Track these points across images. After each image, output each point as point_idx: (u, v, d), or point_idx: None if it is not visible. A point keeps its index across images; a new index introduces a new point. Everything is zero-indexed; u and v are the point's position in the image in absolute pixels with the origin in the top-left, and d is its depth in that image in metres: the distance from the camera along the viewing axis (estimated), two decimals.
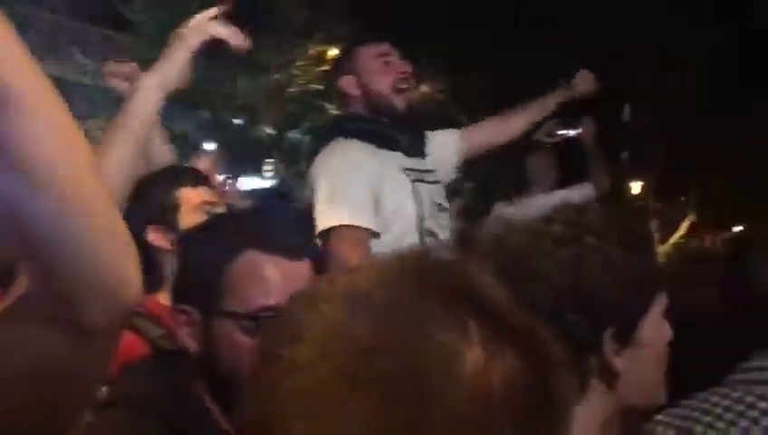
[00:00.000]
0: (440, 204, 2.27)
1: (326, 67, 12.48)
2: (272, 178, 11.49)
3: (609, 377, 0.98)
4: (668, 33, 8.97)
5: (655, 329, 1.01)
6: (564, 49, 8.52)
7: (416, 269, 0.65)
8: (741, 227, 9.31)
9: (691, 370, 1.38)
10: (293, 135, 12.54)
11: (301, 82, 12.15)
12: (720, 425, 1.30)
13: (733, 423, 1.28)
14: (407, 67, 2.27)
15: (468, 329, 0.61)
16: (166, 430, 1.05)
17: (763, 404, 1.28)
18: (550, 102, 2.65)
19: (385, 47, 2.29)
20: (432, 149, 2.37)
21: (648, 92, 9.99)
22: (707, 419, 1.31)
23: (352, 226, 2.08)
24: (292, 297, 0.68)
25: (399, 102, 2.25)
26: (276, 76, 11.57)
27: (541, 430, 0.60)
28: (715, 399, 1.33)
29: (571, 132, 3.14)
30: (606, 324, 0.97)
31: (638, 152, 10.58)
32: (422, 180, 2.24)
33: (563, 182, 3.28)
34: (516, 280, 0.91)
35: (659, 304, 1.01)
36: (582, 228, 0.99)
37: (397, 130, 2.26)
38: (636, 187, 11.25)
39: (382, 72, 2.25)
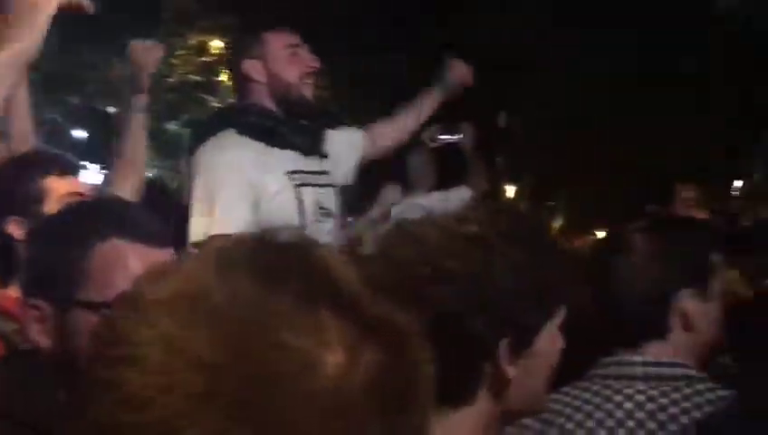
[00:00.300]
0: (326, 209, 2.19)
1: (207, 58, 12.22)
2: (147, 170, 11.12)
3: (500, 384, 0.98)
4: (542, 38, 9.29)
5: (550, 340, 1.01)
6: (441, 55, 8.67)
7: (255, 259, 0.57)
8: (606, 231, 9.82)
9: (570, 372, 1.43)
10: (171, 127, 12.20)
11: (180, 72, 11.85)
12: (579, 417, 1.35)
13: (589, 415, 1.34)
14: (315, 62, 2.19)
15: (326, 329, 0.54)
16: (20, 433, 1.00)
17: (618, 398, 1.34)
18: (432, 100, 2.61)
19: (295, 38, 2.19)
20: (332, 149, 2.29)
21: (523, 99, 10.35)
22: (568, 411, 1.36)
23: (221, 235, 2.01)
24: (119, 303, 0.59)
25: (308, 95, 2.18)
26: None
27: (405, 426, 0.56)
28: (575, 392, 1.38)
29: (452, 137, 3.25)
30: (504, 333, 0.96)
31: (512, 157, 10.95)
32: (309, 184, 2.16)
33: (441, 184, 3.35)
34: (422, 278, 0.95)
35: (558, 317, 1.02)
36: (496, 232, 0.98)
37: (294, 128, 2.17)
38: (510, 190, 11.64)
39: (291, 63, 2.15)
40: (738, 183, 8.11)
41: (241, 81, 2.19)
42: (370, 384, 0.54)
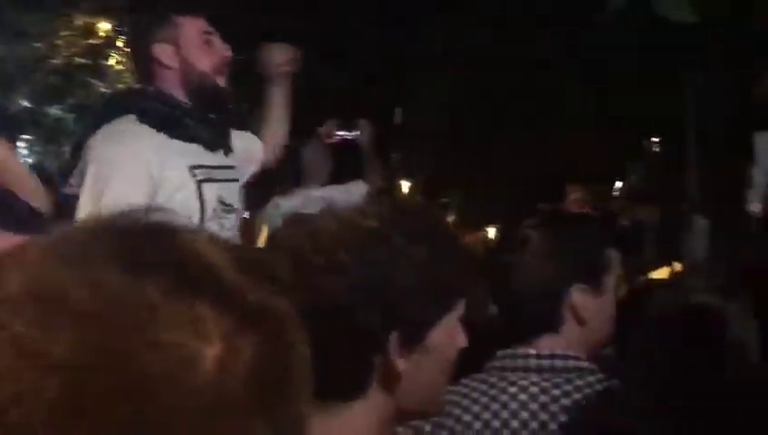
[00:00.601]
0: (229, 204, 2.13)
1: (94, 40, 11.75)
2: (27, 156, 10.60)
3: (390, 378, 0.98)
4: (437, 37, 9.44)
5: (447, 336, 1.01)
6: (336, 55, 8.69)
7: (118, 248, 0.52)
8: (497, 228, 10.09)
9: (470, 367, 1.45)
10: (54, 111, 11.65)
11: (65, 54, 11.32)
12: (475, 408, 1.39)
13: (486, 407, 1.38)
14: (229, 52, 2.11)
15: (202, 321, 0.51)
16: None
17: (512, 389, 1.38)
18: (276, 94, 2.47)
19: (209, 26, 2.10)
20: (238, 145, 2.22)
21: (419, 96, 10.48)
22: (465, 402, 1.40)
23: None
24: None
25: (223, 86, 2.09)
26: (37, 45, 10.67)
27: (285, 412, 0.54)
28: (473, 384, 1.43)
29: (349, 134, 3.27)
30: (395, 326, 0.96)
31: (407, 153, 11.09)
32: (213, 179, 2.09)
33: (337, 179, 3.36)
34: (314, 268, 0.94)
35: (456, 312, 1.02)
36: (395, 228, 0.98)
37: (201, 119, 2.08)
38: (405, 186, 11.79)
39: (205, 50, 2.07)
40: (619, 184, 8.49)
41: (147, 65, 2.08)
42: (251, 375, 0.52)
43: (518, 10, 8.31)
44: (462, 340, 1.05)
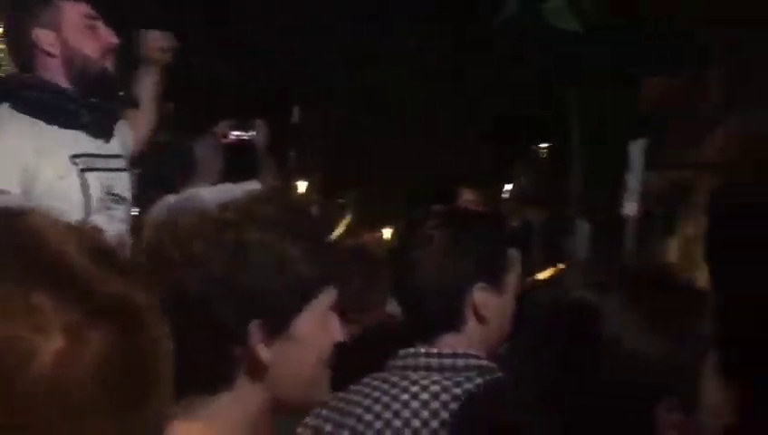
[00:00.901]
0: (117, 194, 2.06)
1: None
2: None
3: (257, 368, 0.98)
4: (335, 36, 9.42)
5: (316, 326, 1.01)
6: (234, 53, 8.56)
7: None
8: (393, 228, 10.20)
9: (372, 366, 1.46)
10: None
11: None
12: (377, 408, 1.38)
13: (387, 406, 1.38)
14: (114, 38, 2.03)
15: (41, 313, 0.48)
16: None
17: (414, 388, 1.38)
18: (146, 82, 2.38)
19: (92, 11, 2.01)
20: (120, 131, 2.15)
21: (317, 95, 10.45)
22: (367, 402, 1.39)
23: None
24: None
25: (110, 71, 2.02)
26: None
27: (142, 417, 0.51)
28: (374, 383, 1.42)
29: (245, 134, 3.24)
30: (254, 315, 0.96)
31: (304, 152, 11.03)
32: (96, 168, 2.01)
33: (231, 178, 3.33)
34: (173, 262, 0.95)
35: (324, 299, 1.02)
36: (251, 218, 0.98)
37: (83, 105, 2.00)
38: (302, 186, 11.72)
39: (89, 36, 1.98)
40: (508, 186, 8.74)
41: (27, 51, 1.99)
42: (99, 371, 0.49)
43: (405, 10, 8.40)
44: (338, 332, 1.03)
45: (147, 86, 2.36)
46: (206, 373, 0.96)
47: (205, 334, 0.94)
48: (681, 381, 1.04)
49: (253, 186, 3.59)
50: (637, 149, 4.38)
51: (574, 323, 1.07)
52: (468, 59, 8.73)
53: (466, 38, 8.03)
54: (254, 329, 0.96)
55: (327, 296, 1.02)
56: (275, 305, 0.97)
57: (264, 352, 0.96)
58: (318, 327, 1.01)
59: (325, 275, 1.01)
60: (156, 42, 2.33)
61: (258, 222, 0.98)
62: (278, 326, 0.97)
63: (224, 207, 0.99)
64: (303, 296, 0.99)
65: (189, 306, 0.93)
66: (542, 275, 4.20)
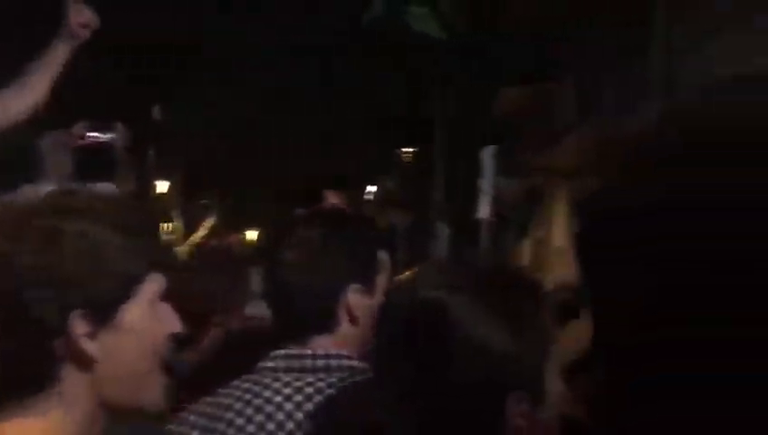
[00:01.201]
0: None
1: None
2: None
3: (83, 363, 0.96)
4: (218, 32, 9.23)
5: (144, 313, 0.99)
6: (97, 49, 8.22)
7: None
8: (258, 230, 10.10)
9: (241, 367, 1.42)
10: None
11: None
12: (249, 411, 1.35)
13: (259, 409, 1.34)
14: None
15: None
16: None
17: (287, 390, 1.35)
18: (59, 52, 2.34)
19: None
20: None
21: (179, 94, 10.20)
22: (238, 405, 1.36)
23: None
24: None
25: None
26: None
27: None
28: (246, 386, 1.39)
29: (103, 136, 3.12)
30: (74, 305, 0.94)
31: (166, 151, 10.71)
32: None
33: (84, 179, 3.21)
34: None
35: (150, 286, 1.00)
36: (63, 208, 0.97)
37: None
38: (163, 186, 11.37)
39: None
40: (372, 188, 8.86)
41: None
42: None
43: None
44: (171, 323, 1.02)
45: (57, 56, 2.29)
46: (29, 370, 0.93)
47: (22, 331, 0.92)
48: (528, 375, 1.09)
49: (107, 189, 3.47)
50: (488, 156, 4.58)
51: (427, 324, 1.10)
52: (336, 60, 8.79)
53: (335, 38, 8.08)
54: (76, 320, 0.94)
55: (153, 283, 1.00)
56: (95, 294, 0.95)
57: (87, 345, 0.94)
58: (147, 316, 0.99)
59: (150, 262, 1.00)
60: (81, 16, 2.26)
61: (71, 212, 0.96)
62: (102, 316, 0.95)
63: (36, 200, 0.97)
64: (126, 284, 0.97)
65: (4, 302, 0.91)
66: (404, 277, 4.27)
